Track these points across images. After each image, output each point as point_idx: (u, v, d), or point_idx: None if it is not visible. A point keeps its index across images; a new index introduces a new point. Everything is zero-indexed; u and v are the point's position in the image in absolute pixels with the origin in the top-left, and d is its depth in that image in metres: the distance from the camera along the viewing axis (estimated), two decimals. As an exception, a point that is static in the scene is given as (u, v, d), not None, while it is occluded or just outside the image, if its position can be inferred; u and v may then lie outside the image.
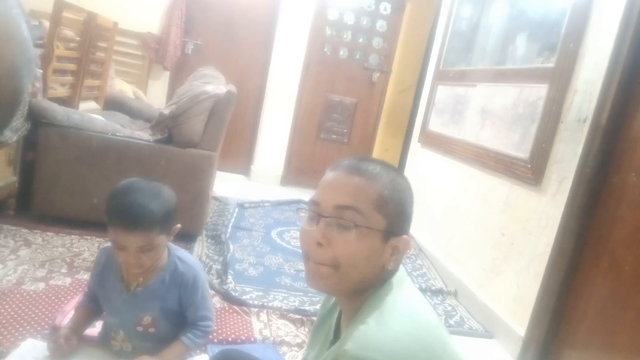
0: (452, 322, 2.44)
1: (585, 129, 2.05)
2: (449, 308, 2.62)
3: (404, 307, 0.84)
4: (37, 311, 1.82)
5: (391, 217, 0.88)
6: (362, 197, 0.87)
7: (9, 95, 1.75)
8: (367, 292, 0.89)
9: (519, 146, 2.44)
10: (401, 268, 0.94)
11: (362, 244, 0.86)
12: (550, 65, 2.32)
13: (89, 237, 2.59)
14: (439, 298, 2.72)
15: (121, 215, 1.30)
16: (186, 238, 2.72)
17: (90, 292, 1.54)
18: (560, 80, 2.23)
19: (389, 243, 0.88)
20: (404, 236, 0.89)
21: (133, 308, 1.44)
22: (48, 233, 2.54)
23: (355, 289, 0.90)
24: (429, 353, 0.78)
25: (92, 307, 1.54)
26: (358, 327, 0.79)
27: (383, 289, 0.88)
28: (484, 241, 2.64)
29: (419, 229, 3.53)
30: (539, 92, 2.36)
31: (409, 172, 3.97)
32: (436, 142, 3.45)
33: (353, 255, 0.86)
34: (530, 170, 2.32)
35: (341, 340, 0.81)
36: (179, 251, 1.51)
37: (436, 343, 0.81)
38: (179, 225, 1.42)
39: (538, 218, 2.25)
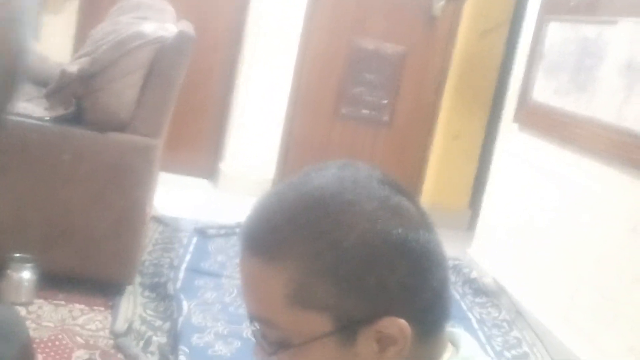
0: None
1: None
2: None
3: None
4: None
5: (335, 301, 0.69)
6: (268, 296, 0.70)
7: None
8: None
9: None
10: (464, 346, 0.77)
11: None
12: None
13: None
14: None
15: None
16: (107, 289, 2.25)
17: None
18: None
19: (358, 340, 0.70)
20: (387, 318, 0.68)
21: None
22: None
23: None
24: None
25: None
26: None
27: None
28: (634, 300, 2.27)
29: (514, 276, 2.96)
30: None
31: (498, 177, 3.26)
32: (547, 123, 2.90)
33: None
34: None
35: None
36: None
37: None
38: None
39: None
